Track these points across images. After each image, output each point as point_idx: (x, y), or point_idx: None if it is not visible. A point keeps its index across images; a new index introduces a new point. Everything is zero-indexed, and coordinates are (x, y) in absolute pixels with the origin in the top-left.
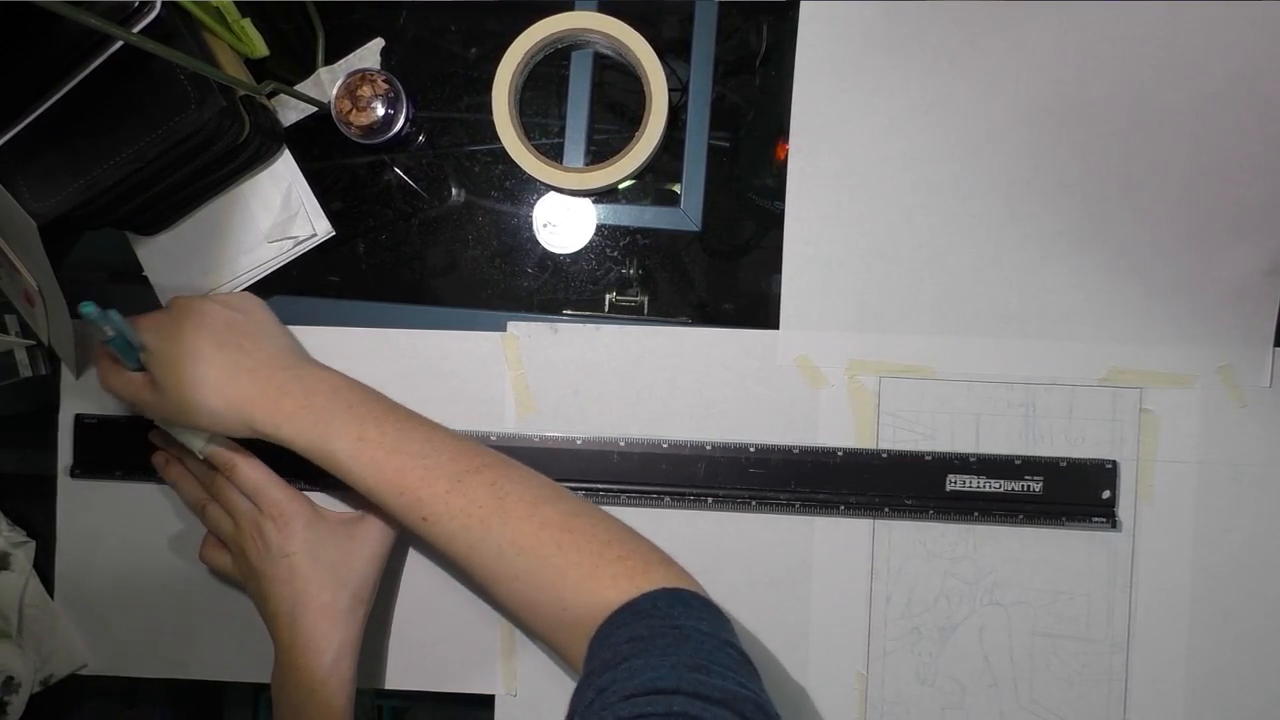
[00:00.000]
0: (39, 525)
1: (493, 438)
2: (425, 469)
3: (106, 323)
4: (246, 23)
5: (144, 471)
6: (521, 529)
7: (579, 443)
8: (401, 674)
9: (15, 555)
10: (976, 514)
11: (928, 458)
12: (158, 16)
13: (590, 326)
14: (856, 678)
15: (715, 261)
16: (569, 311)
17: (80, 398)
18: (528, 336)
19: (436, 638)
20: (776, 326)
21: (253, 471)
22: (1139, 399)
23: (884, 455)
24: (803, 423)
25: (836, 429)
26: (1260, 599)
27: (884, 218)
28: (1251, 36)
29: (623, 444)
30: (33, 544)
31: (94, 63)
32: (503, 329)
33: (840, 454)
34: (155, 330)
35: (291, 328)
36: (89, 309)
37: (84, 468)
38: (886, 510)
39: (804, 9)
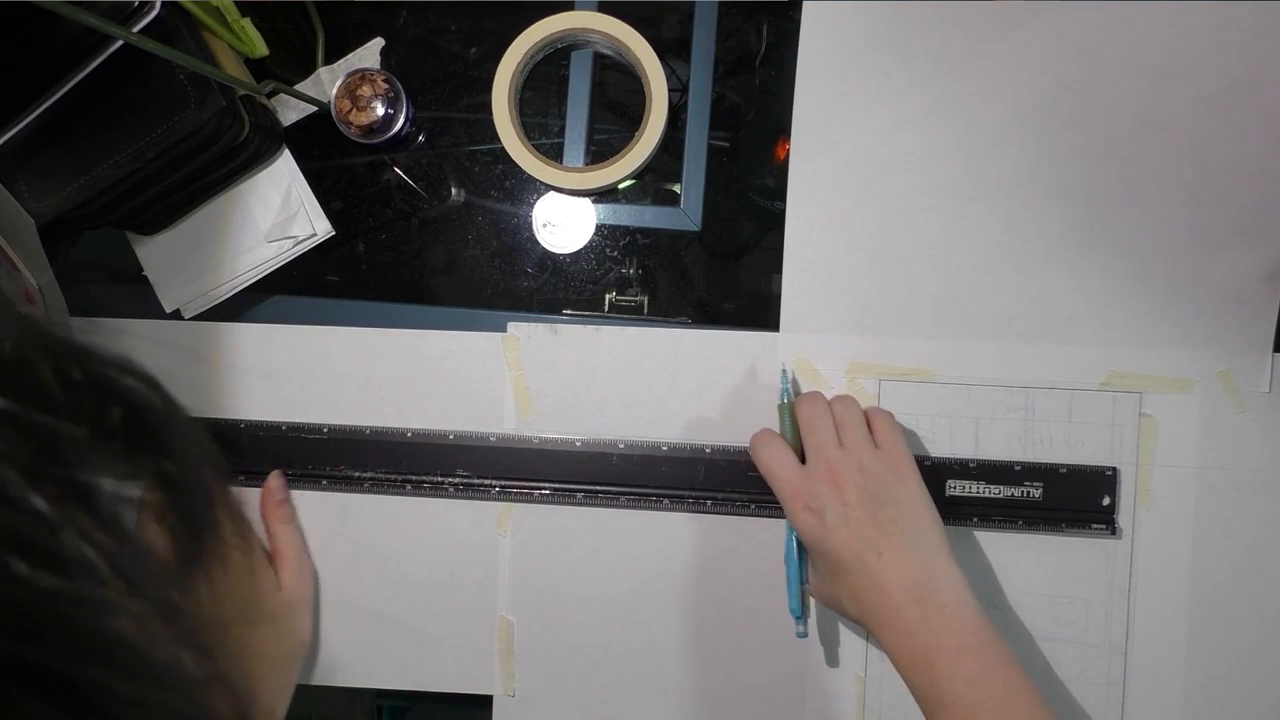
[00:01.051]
0: None
1: (492, 438)
2: None
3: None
4: (246, 22)
5: None
6: None
7: (578, 444)
8: (401, 674)
9: None
10: (976, 519)
11: (927, 462)
12: (158, 16)
13: (590, 328)
14: (855, 681)
15: (715, 261)
16: (569, 311)
17: None
18: (528, 337)
19: (436, 638)
20: (776, 327)
21: (288, 545)
22: (1139, 403)
23: None
24: None
25: None
26: (1259, 604)
27: (885, 220)
28: (1252, 40)
29: (622, 446)
30: None
31: (94, 62)
32: (503, 329)
33: None
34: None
35: (291, 327)
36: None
37: None
38: None
39: (806, 10)
